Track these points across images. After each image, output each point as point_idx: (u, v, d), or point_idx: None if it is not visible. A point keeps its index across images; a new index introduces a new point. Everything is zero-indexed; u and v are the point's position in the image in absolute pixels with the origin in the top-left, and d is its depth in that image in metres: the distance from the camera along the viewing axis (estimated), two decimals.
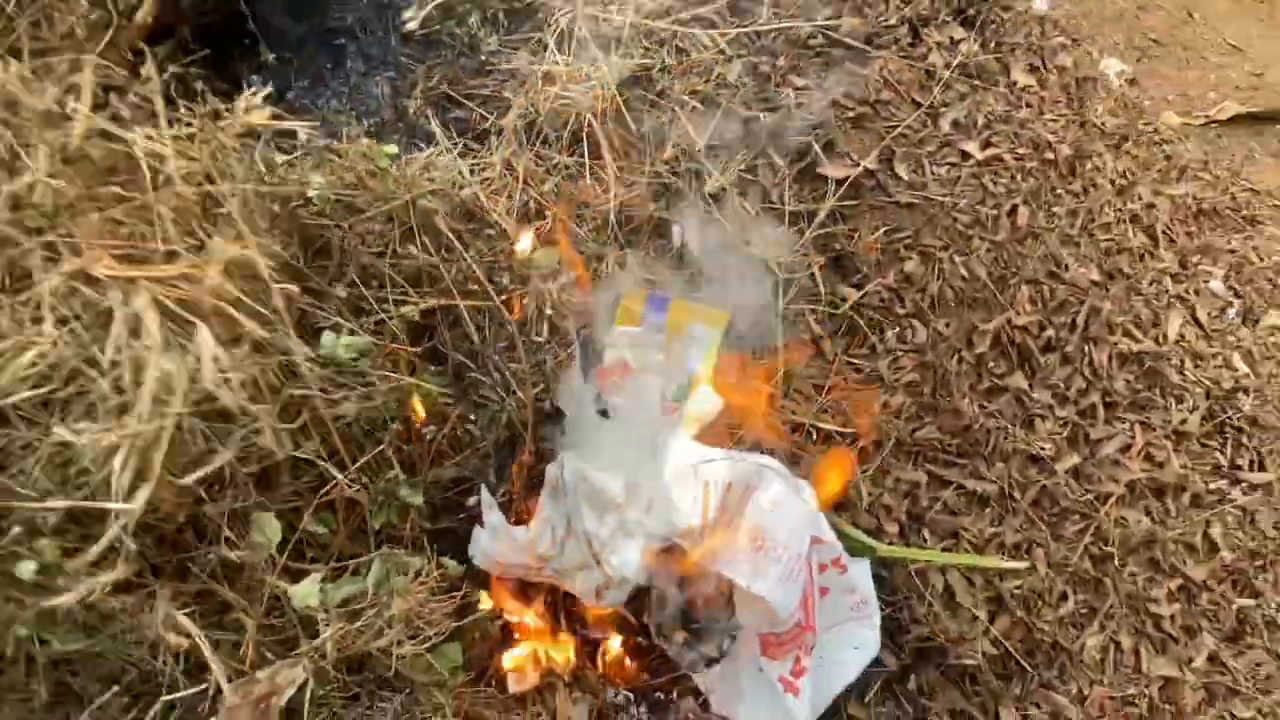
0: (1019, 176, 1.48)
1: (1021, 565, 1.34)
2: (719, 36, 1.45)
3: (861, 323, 1.45)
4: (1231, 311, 1.95)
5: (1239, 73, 2.77)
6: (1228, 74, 2.77)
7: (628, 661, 1.29)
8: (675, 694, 1.33)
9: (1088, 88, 2.07)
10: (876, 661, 1.48)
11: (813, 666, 1.25)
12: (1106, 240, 1.58)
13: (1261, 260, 2.20)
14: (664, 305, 1.29)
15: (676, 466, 1.13)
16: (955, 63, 1.50)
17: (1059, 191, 1.54)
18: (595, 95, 1.25)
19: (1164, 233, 1.90)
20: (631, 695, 1.29)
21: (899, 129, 1.43)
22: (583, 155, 1.28)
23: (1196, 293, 1.84)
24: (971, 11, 1.59)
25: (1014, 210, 1.46)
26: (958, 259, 1.44)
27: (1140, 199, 1.87)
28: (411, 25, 1.27)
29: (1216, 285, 2.01)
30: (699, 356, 1.31)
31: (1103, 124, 1.99)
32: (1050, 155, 1.55)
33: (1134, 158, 2.10)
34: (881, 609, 1.41)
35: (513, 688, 1.19)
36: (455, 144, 1.23)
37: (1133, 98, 2.49)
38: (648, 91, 1.43)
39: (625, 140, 1.38)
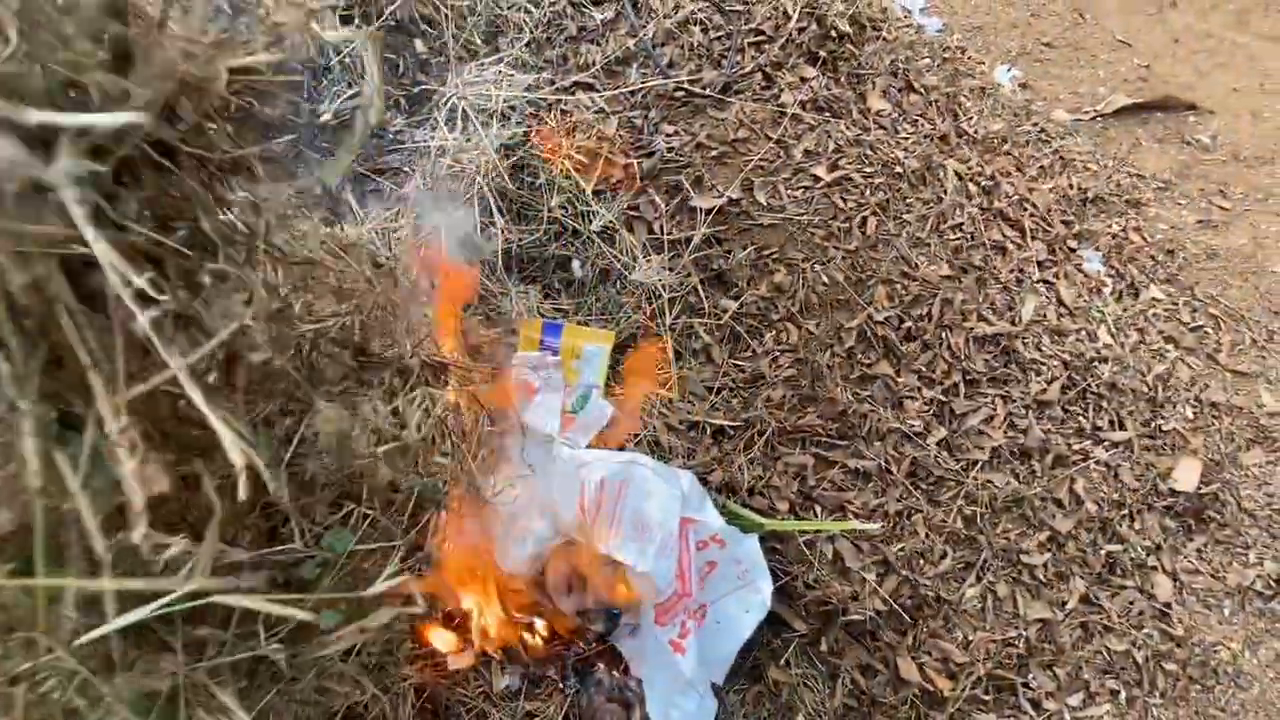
0: (867, 191, 1.70)
1: (874, 527, 1.53)
2: (597, 98, 1.69)
3: (742, 330, 1.67)
4: (1107, 290, 2.15)
5: (1128, 66, 2.98)
6: (1117, 69, 2.98)
7: (552, 637, 1.49)
8: (600, 663, 1.53)
9: (960, 99, 2.30)
10: (789, 628, 1.69)
11: (708, 629, 1.45)
12: (958, 239, 1.79)
13: (1145, 240, 2.40)
14: (558, 330, 1.52)
15: (561, 473, 1.34)
16: (806, 99, 1.73)
17: (909, 200, 1.76)
18: (482, 161, 1.49)
19: (1036, 224, 2.11)
20: (559, 665, 1.50)
21: (755, 161, 1.65)
22: (476, 211, 1.52)
23: (1065, 276, 2.04)
24: (823, 53, 1.82)
25: (864, 221, 1.68)
26: (818, 268, 1.65)
27: (1009, 196, 2.08)
28: (326, 116, 1.51)
29: (1094, 266, 2.21)
30: (593, 372, 1.53)
31: (975, 131, 2.21)
32: (899, 170, 1.76)
33: (1012, 157, 2.32)
34: (780, 577, 1.61)
35: (452, 665, 1.40)
36: (369, 213, 1.47)
37: (1020, 101, 2.72)
38: (537, 152, 1.67)
39: (518, 194, 1.62)
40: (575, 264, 1.69)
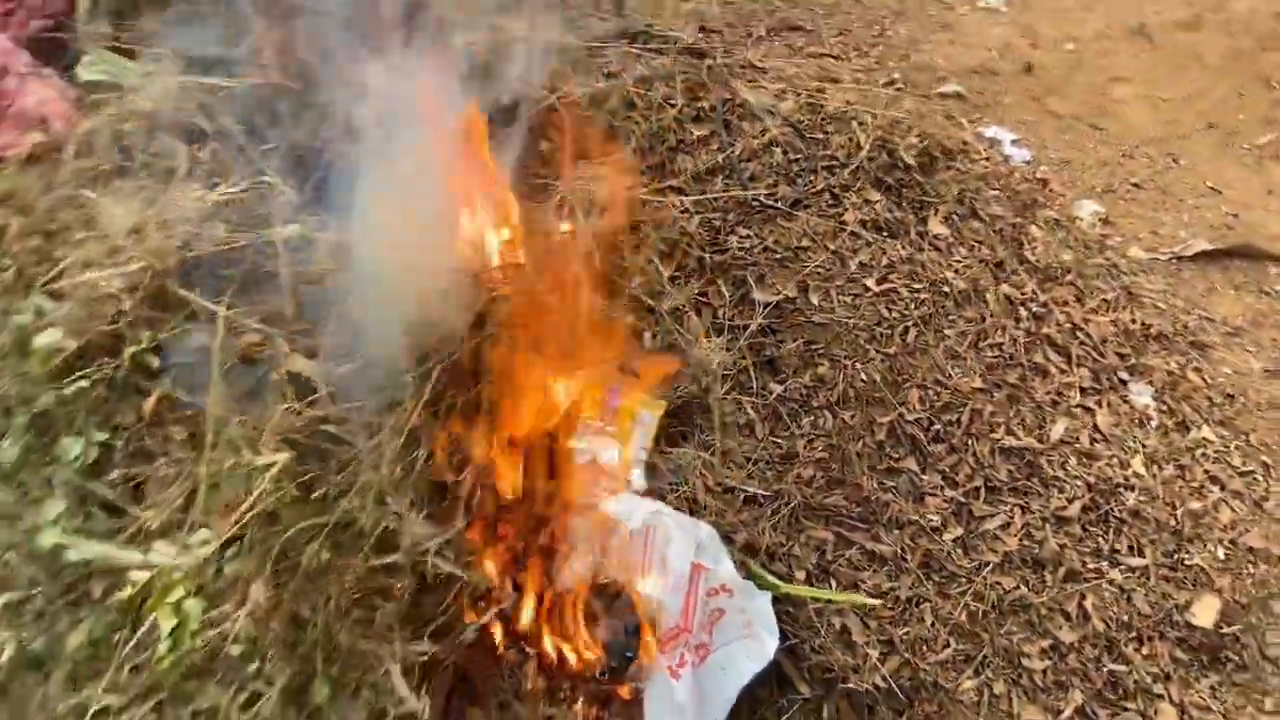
0: (911, 305, 1.90)
1: (876, 601, 1.68)
2: (685, 200, 1.99)
3: (784, 411, 1.88)
4: (1152, 423, 2.23)
5: (1215, 213, 3.05)
6: (1204, 214, 3.05)
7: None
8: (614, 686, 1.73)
9: (1029, 229, 2.46)
10: (795, 690, 1.83)
11: (711, 671, 1.62)
12: (994, 356, 1.95)
13: (1205, 381, 2.46)
14: (618, 393, 1.78)
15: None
16: (867, 219, 1.97)
17: (952, 317, 1.95)
18: (584, 244, 1.80)
19: (1085, 353, 2.23)
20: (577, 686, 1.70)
21: (813, 268, 1.90)
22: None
23: (1108, 405, 2.14)
24: (890, 180, 2.06)
25: (906, 330, 1.88)
26: (859, 365, 1.86)
27: (1060, 324, 2.22)
28: None
29: (1143, 399, 2.30)
30: (644, 435, 1.78)
31: (1037, 260, 2.37)
32: (946, 289, 1.96)
33: (1075, 287, 2.45)
34: (789, 638, 1.77)
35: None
36: None
37: (1096, 235, 2.85)
38: (631, 237, 1.97)
39: (608, 272, 1.92)
40: (646, 335, 1.97)
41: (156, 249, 1.37)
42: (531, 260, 1.73)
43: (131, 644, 1.28)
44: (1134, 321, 2.48)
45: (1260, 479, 2.22)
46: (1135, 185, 3.12)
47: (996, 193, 2.41)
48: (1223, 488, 2.15)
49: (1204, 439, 2.27)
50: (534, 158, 1.91)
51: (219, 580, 1.27)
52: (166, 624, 1.23)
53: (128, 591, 1.23)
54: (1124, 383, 2.28)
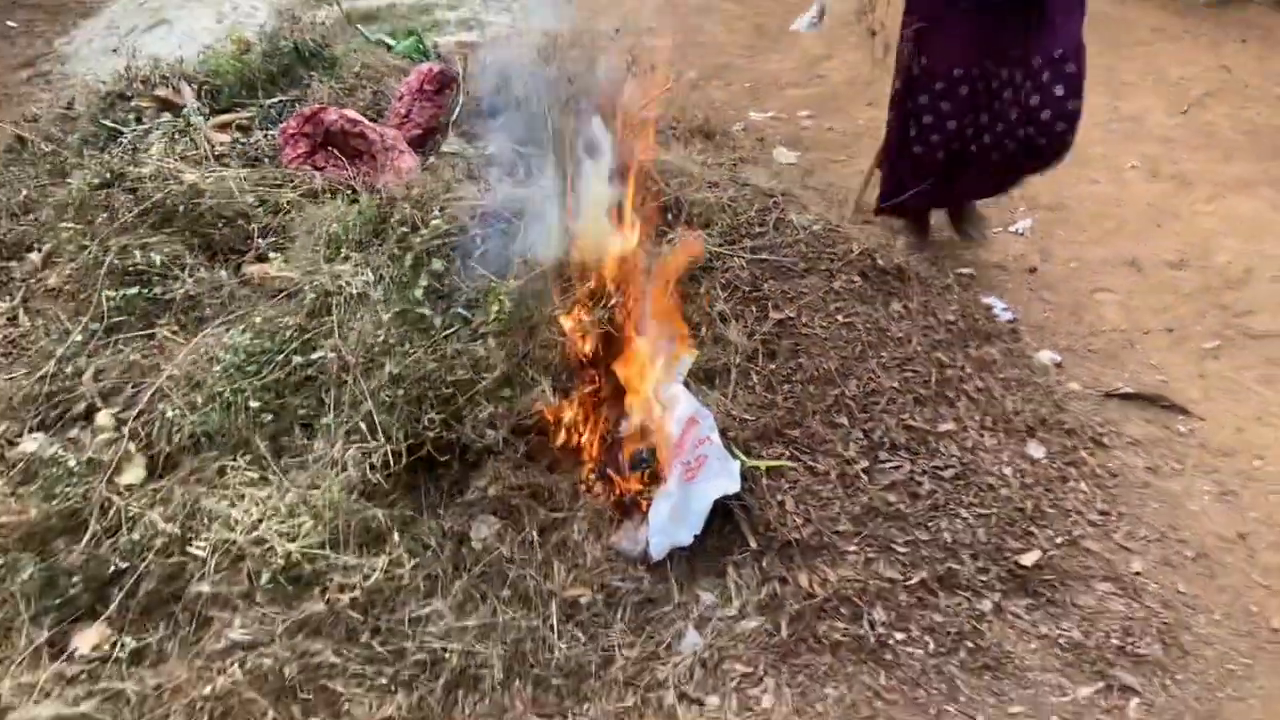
0: (863, 333, 3.13)
1: (795, 464, 2.76)
2: (742, 259, 3.38)
3: (773, 380, 3.09)
4: (1040, 463, 3.20)
5: (1150, 378, 4.00)
6: (1141, 377, 4.00)
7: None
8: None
9: (978, 337, 3.61)
10: (745, 543, 2.85)
11: (695, 492, 2.73)
12: (911, 374, 3.10)
13: (1094, 460, 3.38)
14: (673, 345, 3.07)
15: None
16: (846, 288, 3.26)
17: (889, 347, 3.14)
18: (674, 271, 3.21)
19: (997, 413, 3.29)
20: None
21: (806, 303, 3.19)
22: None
23: (999, 442, 3.17)
24: (872, 274, 3.36)
25: (856, 346, 3.09)
26: (822, 360, 3.07)
27: (977, 387, 3.31)
28: None
29: (1037, 453, 3.27)
30: (684, 367, 3.04)
31: (976, 355, 3.51)
32: (888, 334, 3.18)
33: (1003, 379, 3.54)
34: (744, 500, 2.83)
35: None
36: None
37: (1042, 365, 3.90)
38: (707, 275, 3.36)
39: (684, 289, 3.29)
40: (703, 328, 3.28)
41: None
42: (641, 263, 3.14)
43: None
44: (1046, 410, 3.48)
45: (1118, 527, 3.08)
46: (1092, 351, 4.17)
47: (956, 310, 3.63)
48: (1077, 514, 3.05)
49: (1079, 488, 3.19)
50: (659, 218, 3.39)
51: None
52: None
53: None
54: (1023, 439, 3.28)
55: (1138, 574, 2.89)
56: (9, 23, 9.01)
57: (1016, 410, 3.35)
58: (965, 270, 4.62)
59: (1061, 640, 2.63)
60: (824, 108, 6.62)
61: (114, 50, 7.62)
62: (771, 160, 5.42)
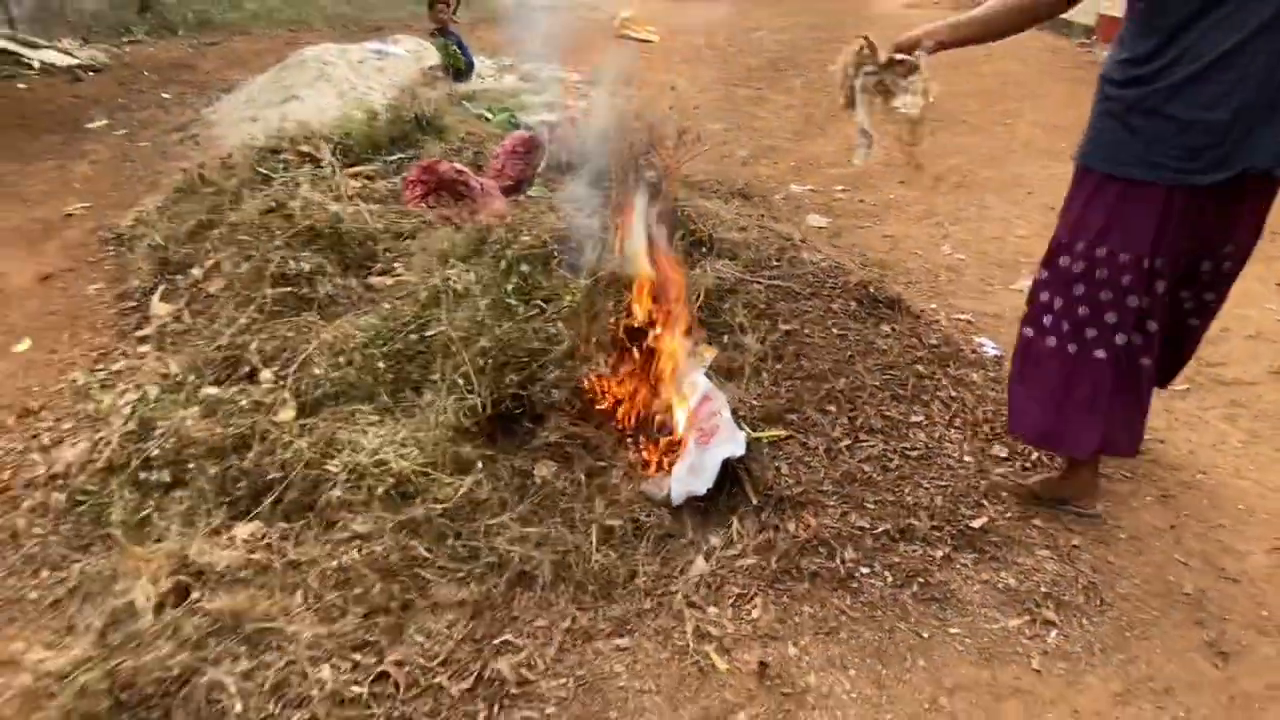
0: (853, 343, 3.90)
1: (787, 433, 3.49)
2: (760, 284, 4.21)
3: (779, 376, 3.86)
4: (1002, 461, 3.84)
5: None
6: None
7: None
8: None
9: (963, 364, 4.32)
10: (748, 500, 3.56)
11: (710, 454, 3.47)
12: (889, 377, 3.83)
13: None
14: (696, 349, 3.87)
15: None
16: (842, 309, 4.06)
17: (874, 356, 3.89)
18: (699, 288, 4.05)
19: (965, 417, 3.97)
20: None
21: (808, 319, 3.99)
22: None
23: (965, 443, 3.84)
24: (865, 300, 4.15)
25: (847, 353, 3.86)
26: (819, 362, 3.84)
27: (951, 396, 4.01)
28: None
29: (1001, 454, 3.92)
30: (704, 362, 3.83)
31: (956, 376, 4.21)
32: (875, 345, 3.93)
33: (983, 399, 4.22)
34: (748, 464, 3.55)
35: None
36: None
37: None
38: (730, 294, 4.20)
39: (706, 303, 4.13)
40: (725, 336, 4.09)
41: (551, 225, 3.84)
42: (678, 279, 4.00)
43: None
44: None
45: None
46: None
47: (940, 339, 4.36)
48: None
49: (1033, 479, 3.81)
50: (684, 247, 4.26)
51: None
52: None
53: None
54: (989, 440, 3.94)
55: (1075, 547, 3.49)
56: (164, 95, 10.74)
57: (986, 419, 4.02)
58: (962, 316, 5.34)
59: (999, 585, 3.25)
60: (859, 183, 7.54)
61: (253, 119, 9.08)
62: (802, 222, 6.31)
